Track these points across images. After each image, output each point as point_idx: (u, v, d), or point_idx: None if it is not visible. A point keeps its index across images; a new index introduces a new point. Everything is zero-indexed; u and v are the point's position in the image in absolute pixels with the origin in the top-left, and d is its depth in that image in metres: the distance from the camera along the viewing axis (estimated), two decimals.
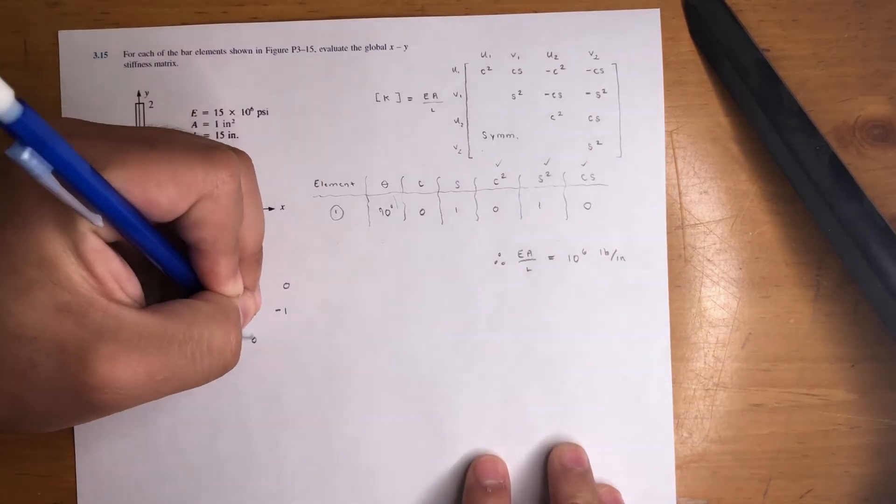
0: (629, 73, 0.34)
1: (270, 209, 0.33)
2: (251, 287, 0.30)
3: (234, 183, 0.25)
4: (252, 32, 0.33)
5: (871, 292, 0.32)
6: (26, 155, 0.19)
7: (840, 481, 0.34)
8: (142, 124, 0.33)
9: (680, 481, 0.34)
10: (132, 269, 0.25)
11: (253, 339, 0.33)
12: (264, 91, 0.33)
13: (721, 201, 0.34)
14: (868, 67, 0.34)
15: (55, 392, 0.23)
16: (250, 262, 0.29)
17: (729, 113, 0.34)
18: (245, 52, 0.33)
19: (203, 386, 0.26)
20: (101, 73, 0.33)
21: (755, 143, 0.34)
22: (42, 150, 0.19)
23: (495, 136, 0.34)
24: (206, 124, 0.33)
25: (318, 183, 0.33)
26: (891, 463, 0.34)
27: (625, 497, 0.33)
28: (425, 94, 0.34)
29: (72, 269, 0.22)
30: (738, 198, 0.34)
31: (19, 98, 0.18)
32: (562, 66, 0.34)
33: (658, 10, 0.34)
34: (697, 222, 0.34)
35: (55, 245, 0.22)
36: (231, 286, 0.27)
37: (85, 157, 0.21)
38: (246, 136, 0.33)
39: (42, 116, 0.19)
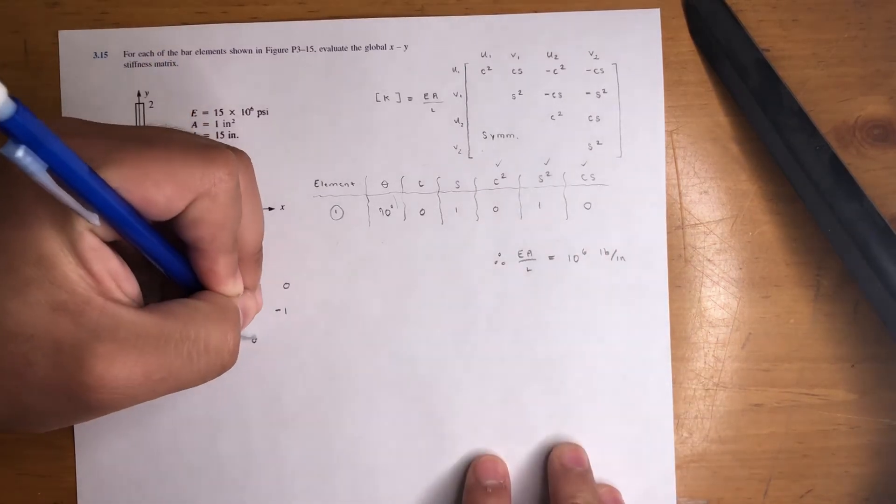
0: (629, 73, 0.34)
1: (270, 209, 0.33)
2: (251, 287, 0.30)
3: (231, 181, 0.25)
4: (252, 32, 0.33)
5: (871, 292, 0.32)
6: (20, 153, 0.19)
7: (840, 481, 0.34)
8: (142, 124, 0.33)
9: (680, 481, 0.34)
10: (132, 268, 0.25)
11: (253, 339, 0.33)
12: (264, 91, 0.33)
13: (721, 201, 0.34)
14: (868, 67, 0.34)
15: (52, 391, 0.23)
16: (250, 261, 0.29)
17: (729, 113, 0.34)
18: (245, 52, 0.33)
19: (203, 386, 0.26)
20: (101, 73, 0.33)
21: (755, 143, 0.34)
22: (36, 147, 0.19)
23: (495, 136, 0.34)
24: (206, 124, 0.33)
25: (318, 183, 0.33)
26: (891, 463, 0.34)
27: (625, 497, 0.33)
28: (425, 94, 0.34)
29: (69, 268, 0.22)
30: (738, 198, 0.34)
31: (13, 96, 0.18)
32: (562, 66, 0.34)
33: (658, 10, 0.34)
34: (697, 222, 0.34)
35: (52, 244, 0.22)
36: (230, 286, 0.27)
37: (82, 156, 0.21)
38: (246, 136, 0.33)
39: (37, 115, 0.19)
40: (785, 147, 0.33)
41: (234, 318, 0.27)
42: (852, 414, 0.34)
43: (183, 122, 0.33)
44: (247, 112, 0.33)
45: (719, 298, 0.34)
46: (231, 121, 0.33)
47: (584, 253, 0.34)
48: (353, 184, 0.33)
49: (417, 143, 0.33)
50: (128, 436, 0.33)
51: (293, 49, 0.33)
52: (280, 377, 0.33)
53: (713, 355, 0.34)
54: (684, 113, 0.34)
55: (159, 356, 0.23)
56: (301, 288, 0.33)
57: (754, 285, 0.34)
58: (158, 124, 0.33)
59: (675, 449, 0.34)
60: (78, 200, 0.21)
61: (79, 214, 0.22)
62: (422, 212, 0.33)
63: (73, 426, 0.33)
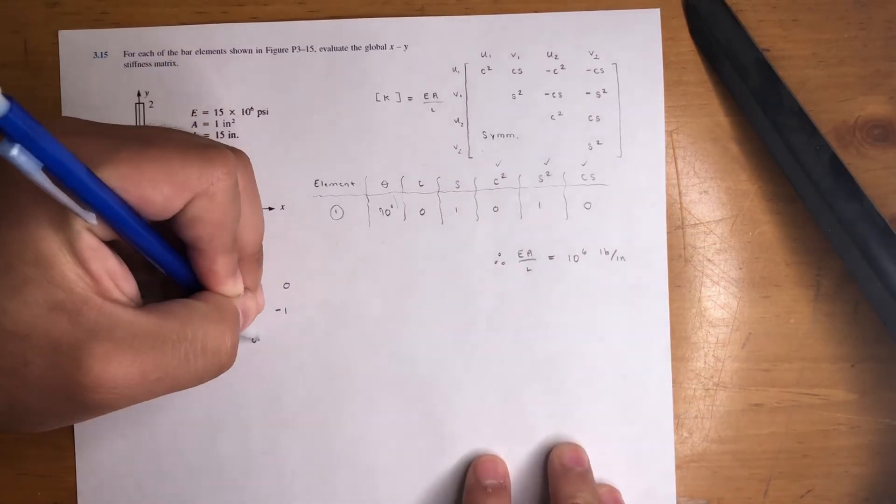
0: (629, 73, 0.34)
1: (270, 209, 0.33)
2: (252, 287, 0.30)
3: (229, 180, 0.25)
4: (252, 32, 0.33)
5: (871, 292, 0.32)
6: (15, 151, 0.18)
7: (840, 481, 0.34)
8: (142, 124, 0.33)
9: (680, 481, 0.34)
10: (133, 268, 0.25)
11: (254, 340, 0.33)
12: (264, 91, 0.33)
13: (721, 201, 0.34)
14: (868, 67, 0.34)
15: (48, 390, 0.23)
16: (250, 261, 0.29)
17: (729, 113, 0.34)
18: (245, 52, 0.33)
19: (203, 386, 0.26)
20: (101, 73, 0.33)
21: (755, 143, 0.34)
22: (31, 146, 0.19)
23: (495, 136, 0.34)
24: (206, 124, 0.33)
25: (318, 183, 0.33)
26: (891, 463, 0.34)
27: (625, 497, 0.33)
28: (425, 94, 0.34)
29: (67, 267, 0.22)
30: (738, 198, 0.34)
31: (7, 94, 0.18)
32: (562, 66, 0.34)
33: (658, 10, 0.34)
34: (697, 222, 0.34)
35: (50, 243, 0.22)
36: (230, 286, 0.27)
37: (80, 155, 0.21)
38: (246, 136, 0.33)
39: (37, 115, 0.19)
40: (785, 147, 0.33)
41: (232, 319, 0.27)
42: (852, 414, 0.34)
43: (183, 122, 0.33)
44: (247, 112, 0.33)
45: (719, 298, 0.34)
46: (231, 121, 0.33)
47: (584, 253, 0.34)
48: (353, 184, 0.33)
49: (417, 143, 0.33)
50: (128, 436, 0.33)
51: (293, 49, 0.33)
52: (280, 377, 0.33)
53: (713, 355, 0.34)
54: (684, 113, 0.34)
55: (156, 356, 0.23)
56: (301, 288, 0.33)
57: (754, 285, 0.34)
58: (158, 124, 0.33)
59: (675, 449, 0.34)
60: (74, 200, 0.21)
61: (75, 214, 0.22)
62: (422, 212, 0.33)
63: (72, 426, 0.33)
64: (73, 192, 0.21)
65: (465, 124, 0.34)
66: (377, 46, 0.33)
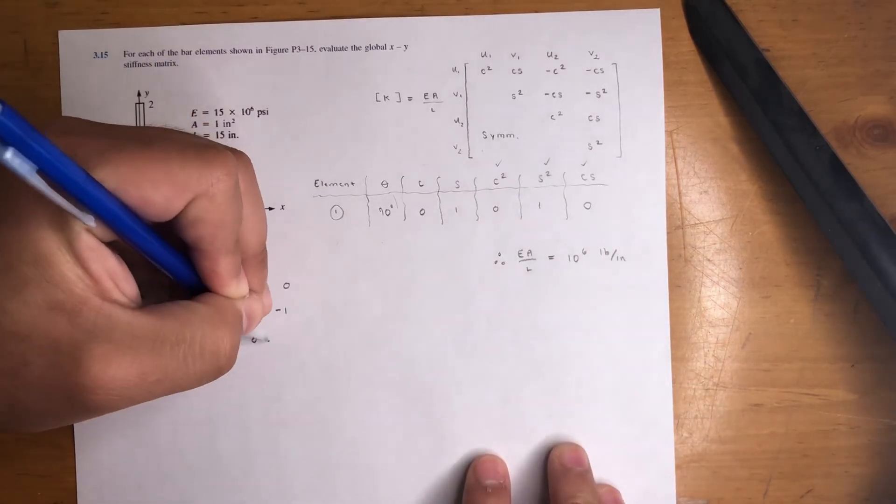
0: (629, 73, 0.34)
1: (270, 209, 0.33)
2: (258, 289, 0.30)
3: (229, 181, 0.25)
4: (252, 32, 0.33)
5: (871, 292, 0.32)
6: (9, 154, 0.18)
7: (840, 481, 0.34)
8: (142, 124, 0.33)
9: (680, 481, 0.34)
10: (138, 268, 0.25)
11: (254, 340, 0.33)
12: (264, 91, 0.33)
13: (721, 201, 0.34)
14: (868, 67, 0.34)
15: (48, 391, 0.23)
16: (254, 262, 0.29)
17: (729, 113, 0.34)
18: (245, 52, 0.33)
19: (203, 386, 0.26)
20: (101, 73, 0.33)
21: (755, 143, 0.34)
22: (25, 149, 0.19)
23: (495, 136, 0.34)
24: (206, 124, 0.33)
25: (318, 183, 0.33)
26: (891, 463, 0.34)
27: (625, 497, 0.33)
28: (425, 94, 0.34)
29: (66, 268, 0.22)
30: (738, 198, 0.34)
31: None
32: (562, 66, 0.34)
33: (658, 10, 0.34)
34: (697, 222, 0.34)
35: (50, 243, 0.22)
36: (234, 287, 0.27)
37: (79, 154, 0.21)
38: (246, 136, 0.33)
39: (37, 115, 0.19)
40: (785, 147, 0.33)
41: (232, 322, 0.27)
42: (852, 414, 0.34)
43: (183, 122, 0.33)
44: (247, 112, 0.33)
45: (719, 298, 0.34)
46: (231, 121, 0.33)
47: (584, 253, 0.34)
48: (353, 184, 0.33)
49: (417, 143, 0.33)
50: (128, 436, 0.33)
51: (293, 49, 0.33)
52: (280, 377, 0.33)
53: (713, 355, 0.34)
54: (684, 113, 0.34)
55: (154, 358, 0.23)
56: (301, 288, 0.33)
57: (754, 285, 0.34)
58: (159, 125, 0.33)
59: (675, 449, 0.34)
60: (72, 202, 0.21)
61: (73, 216, 0.22)
62: (422, 212, 0.33)
63: (72, 426, 0.33)
64: (69, 194, 0.21)
65: (465, 124, 0.34)
66: (377, 46, 0.33)
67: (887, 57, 0.34)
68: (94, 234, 0.23)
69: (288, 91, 0.33)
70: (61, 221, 0.22)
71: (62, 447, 0.33)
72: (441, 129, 0.34)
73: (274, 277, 0.33)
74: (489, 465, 0.33)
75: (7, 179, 0.23)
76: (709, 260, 0.34)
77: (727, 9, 0.34)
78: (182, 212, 0.24)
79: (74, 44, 0.33)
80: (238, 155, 0.27)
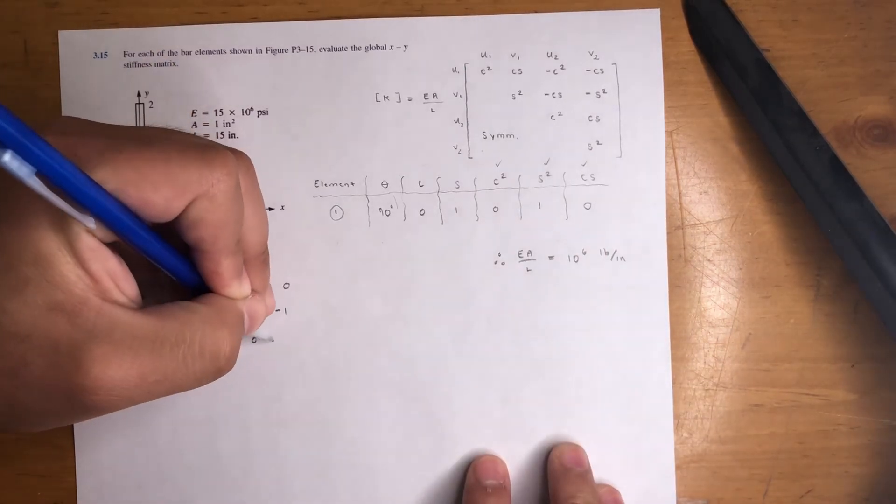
0: (629, 73, 0.34)
1: (270, 209, 0.33)
2: (260, 289, 0.30)
3: (230, 181, 0.25)
4: (252, 32, 0.33)
5: (871, 292, 0.32)
6: (7, 157, 0.18)
7: (840, 481, 0.34)
8: (142, 124, 0.33)
9: (680, 481, 0.34)
10: (139, 268, 0.25)
11: (254, 340, 0.33)
12: (264, 91, 0.33)
13: (721, 201, 0.34)
14: (868, 67, 0.34)
15: (47, 391, 0.23)
16: (256, 263, 0.29)
17: (729, 113, 0.34)
18: (245, 52, 0.33)
19: (203, 386, 0.26)
20: (101, 73, 0.33)
21: (755, 143, 0.34)
22: (23, 151, 0.19)
23: (495, 136, 0.34)
24: (206, 124, 0.33)
25: (318, 183, 0.33)
26: (891, 463, 0.34)
27: (625, 497, 0.33)
28: (425, 94, 0.34)
29: (66, 268, 0.22)
30: (738, 198, 0.34)
31: None
32: (562, 66, 0.34)
33: (658, 10, 0.34)
34: (697, 222, 0.34)
35: (50, 243, 0.22)
36: (235, 287, 0.27)
37: (79, 155, 0.21)
38: (246, 137, 0.33)
39: (37, 115, 0.19)
40: (785, 147, 0.33)
41: (233, 323, 0.27)
42: (852, 414, 0.34)
43: (183, 123, 0.33)
44: (247, 112, 0.33)
45: (719, 298, 0.34)
46: (231, 121, 0.33)
47: (584, 253, 0.34)
48: (353, 184, 0.33)
49: (417, 143, 0.33)
50: (128, 436, 0.33)
51: (293, 49, 0.33)
52: (280, 377, 0.33)
53: (713, 355, 0.34)
54: (684, 113, 0.34)
55: (154, 359, 0.23)
56: (301, 288, 0.33)
57: (754, 285, 0.34)
58: (159, 125, 0.33)
59: (675, 449, 0.34)
60: (71, 203, 0.21)
61: (73, 217, 0.22)
62: (422, 212, 0.33)
63: (72, 426, 0.33)
64: (69, 196, 0.21)
65: (465, 124, 0.34)
66: (377, 47, 0.33)
67: (887, 57, 0.34)
68: (94, 235, 0.23)
69: (288, 91, 0.33)
70: (62, 222, 0.22)
71: (62, 447, 0.33)
72: (441, 130, 0.34)
73: (274, 277, 0.33)
74: (489, 465, 0.33)
75: (7, 179, 0.23)
76: (709, 260, 0.34)
77: (727, 9, 0.34)
78: (183, 213, 0.24)
79: (74, 44, 0.33)
80: (238, 155, 0.27)
